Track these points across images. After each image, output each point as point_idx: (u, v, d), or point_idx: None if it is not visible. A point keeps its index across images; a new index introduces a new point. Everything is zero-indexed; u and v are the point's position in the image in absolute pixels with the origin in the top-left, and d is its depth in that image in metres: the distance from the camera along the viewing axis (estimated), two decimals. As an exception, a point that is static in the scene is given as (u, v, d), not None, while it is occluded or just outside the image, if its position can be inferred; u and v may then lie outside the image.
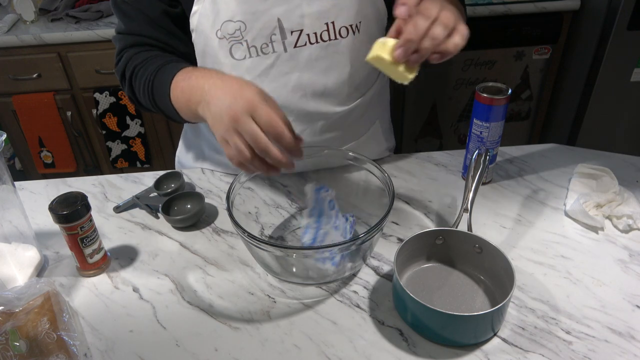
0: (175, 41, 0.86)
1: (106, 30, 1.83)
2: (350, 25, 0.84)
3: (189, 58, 0.87)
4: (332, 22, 0.82)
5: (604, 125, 2.07)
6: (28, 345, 0.63)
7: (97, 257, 0.78)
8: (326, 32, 0.83)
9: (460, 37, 0.65)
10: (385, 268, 0.79)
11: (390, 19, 0.87)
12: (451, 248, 0.77)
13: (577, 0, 1.90)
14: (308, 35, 0.82)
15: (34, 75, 1.92)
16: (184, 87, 0.74)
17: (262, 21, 0.80)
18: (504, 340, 0.67)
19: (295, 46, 0.83)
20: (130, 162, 2.13)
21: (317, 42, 0.83)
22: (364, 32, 0.86)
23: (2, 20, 1.91)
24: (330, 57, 0.85)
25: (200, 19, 0.80)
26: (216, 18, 0.79)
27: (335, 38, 0.84)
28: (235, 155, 0.65)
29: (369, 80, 0.95)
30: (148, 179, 1.01)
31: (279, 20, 0.80)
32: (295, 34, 0.82)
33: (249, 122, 0.62)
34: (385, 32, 0.92)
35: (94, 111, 1.99)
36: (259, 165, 0.65)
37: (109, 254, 0.82)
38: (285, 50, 0.83)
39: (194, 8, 0.80)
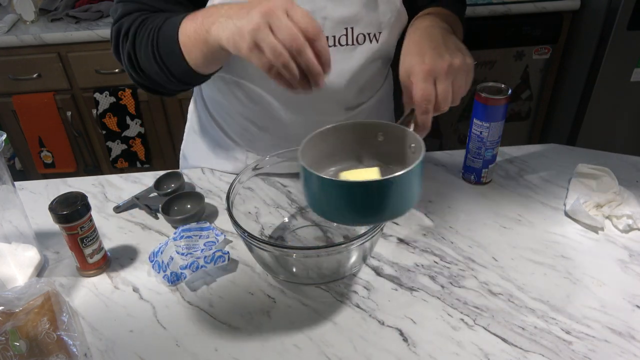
0: (182, 10, 0.78)
1: (106, 30, 1.83)
2: (369, 34, 0.85)
3: None
4: (352, 28, 0.83)
5: (604, 125, 2.07)
6: (28, 345, 0.63)
7: (97, 257, 0.78)
8: (344, 37, 0.83)
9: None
10: (386, 268, 0.79)
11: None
12: (391, 148, 0.70)
13: (577, 0, 1.90)
14: (327, 37, 0.82)
15: (34, 75, 1.92)
16: (197, 18, 0.68)
17: None
18: (504, 340, 0.67)
19: None
20: (130, 162, 2.13)
21: (334, 45, 0.83)
22: (382, 42, 0.86)
23: (2, 20, 1.91)
24: (343, 61, 0.85)
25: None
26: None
27: (352, 44, 0.84)
28: (271, 58, 0.57)
29: (374, 85, 0.95)
30: (148, 179, 1.01)
31: None
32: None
33: (285, 17, 0.57)
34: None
35: (94, 111, 1.99)
36: (293, 71, 0.58)
37: (109, 254, 0.82)
38: None
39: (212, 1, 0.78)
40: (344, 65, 0.86)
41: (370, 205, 0.60)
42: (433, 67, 0.66)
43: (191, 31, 0.69)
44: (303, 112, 0.90)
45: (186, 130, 1.11)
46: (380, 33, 0.86)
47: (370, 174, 0.65)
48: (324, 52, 0.58)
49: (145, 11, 0.79)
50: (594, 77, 1.95)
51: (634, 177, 0.95)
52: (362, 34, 0.84)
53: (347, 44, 0.84)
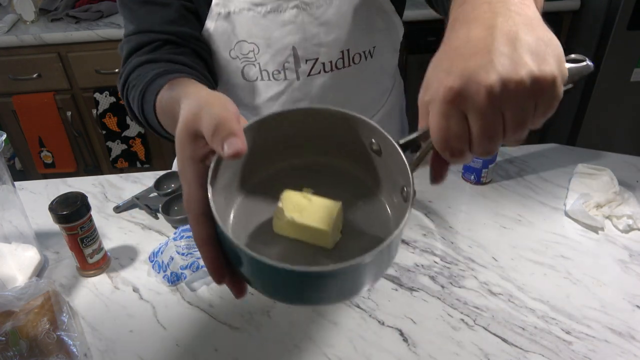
0: (191, 33, 0.77)
1: (106, 30, 1.83)
2: (364, 52, 0.83)
3: (200, 52, 0.78)
4: (347, 50, 0.81)
5: (604, 125, 2.07)
6: (28, 346, 0.63)
7: (97, 257, 0.78)
8: (341, 60, 0.82)
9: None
10: (385, 268, 0.79)
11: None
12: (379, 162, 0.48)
13: (577, 0, 1.90)
14: (323, 63, 0.81)
15: (34, 75, 1.92)
16: (163, 107, 0.60)
17: (275, 48, 0.78)
18: (504, 340, 0.67)
19: (309, 74, 0.81)
20: (130, 162, 2.13)
21: (331, 70, 0.82)
22: (376, 55, 0.85)
23: (2, 20, 1.91)
24: (342, 83, 0.84)
25: (214, 37, 0.79)
26: (230, 37, 0.78)
27: (349, 65, 0.83)
28: None
29: (377, 103, 0.94)
30: (148, 179, 1.01)
31: (293, 48, 0.78)
32: (310, 63, 0.80)
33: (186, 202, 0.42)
34: (399, 46, 0.91)
35: (94, 111, 1.99)
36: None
37: (109, 254, 0.82)
38: (298, 78, 0.81)
39: (207, 25, 0.78)
40: (343, 88, 0.85)
41: (317, 292, 0.41)
42: (463, 88, 0.35)
43: (160, 113, 0.61)
44: None
45: None
46: (374, 47, 0.84)
47: (323, 211, 0.44)
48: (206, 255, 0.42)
49: (147, 46, 0.75)
50: (594, 77, 1.95)
51: (634, 177, 0.95)
52: (358, 53, 0.83)
53: (343, 67, 0.83)
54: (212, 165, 0.41)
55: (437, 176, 0.44)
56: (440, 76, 0.37)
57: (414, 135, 0.43)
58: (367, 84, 0.88)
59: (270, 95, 0.83)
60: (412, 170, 0.42)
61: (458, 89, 0.35)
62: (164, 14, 0.77)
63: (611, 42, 1.84)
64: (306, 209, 0.44)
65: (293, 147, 0.49)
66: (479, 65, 0.35)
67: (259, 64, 0.80)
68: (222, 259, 0.40)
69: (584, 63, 0.45)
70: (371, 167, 0.48)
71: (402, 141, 0.43)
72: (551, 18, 1.95)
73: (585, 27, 1.94)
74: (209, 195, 0.40)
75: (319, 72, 0.81)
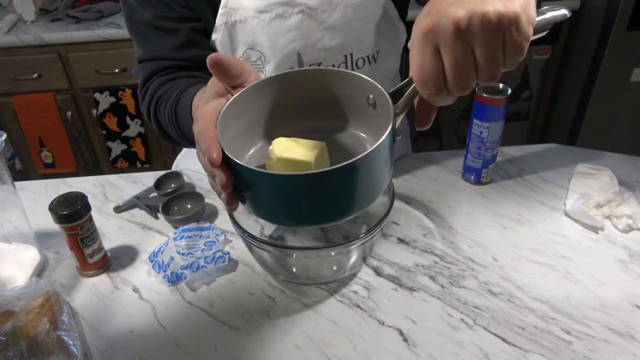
0: (202, 54, 0.80)
1: (106, 30, 1.84)
2: (367, 56, 0.83)
3: None
4: (351, 54, 0.81)
5: (604, 125, 2.07)
6: (28, 345, 0.63)
7: (97, 257, 0.78)
8: (344, 64, 0.82)
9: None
10: (386, 268, 0.79)
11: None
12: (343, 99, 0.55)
13: (577, 0, 1.90)
14: (327, 67, 0.81)
15: (34, 75, 1.92)
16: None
17: (280, 55, 0.79)
18: (504, 340, 0.67)
19: None
20: (130, 162, 2.13)
21: None
22: (380, 60, 0.86)
23: (2, 20, 1.91)
24: None
25: (220, 47, 0.79)
26: (238, 46, 0.78)
27: (352, 69, 0.83)
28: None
29: None
30: (148, 179, 1.01)
31: (298, 54, 0.79)
32: (314, 67, 0.80)
33: (201, 155, 0.51)
34: (402, 50, 0.91)
35: (94, 111, 1.99)
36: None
37: (109, 254, 0.82)
38: None
39: (213, 36, 0.79)
40: None
41: (313, 203, 0.46)
42: (435, 24, 0.40)
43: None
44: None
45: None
46: (378, 52, 0.85)
47: (308, 147, 0.49)
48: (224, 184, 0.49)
49: (162, 72, 0.80)
50: (594, 77, 1.95)
51: (634, 177, 0.95)
52: (362, 57, 0.83)
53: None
54: (223, 108, 0.49)
55: (421, 120, 0.49)
56: (419, 21, 0.42)
57: (401, 84, 0.47)
58: None
59: None
60: (396, 113, 0.47)
61: (431, 25, 0.40)
62: (173, 39, 0.79)
63: (611, 42, 1.84)
64: (293, 147, 0.49)
65: (303, 106, 0.55)
66: (450, 4, 0.40)
67: (265, 70, 0.80)
68: (231, 177, 0.46)
69: (560, 10, 0.48)
70: (370, 119, 0.53)
71: (391, 90, 0.48)
72: (551, 18, 1.96)
73: (585, 27, 1.94)
74: (217, 124, 0.47)
75: None
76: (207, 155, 0.45)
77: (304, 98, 0.55)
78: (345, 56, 0.81)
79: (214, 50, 0.80)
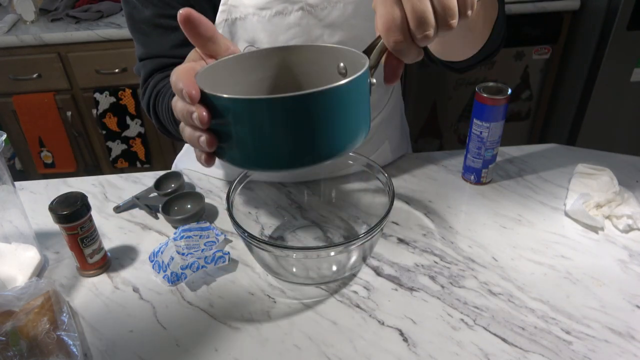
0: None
1: (106, 30, 1.84)
2: None
3: None
4: None
5: (604, 125, 2.07)
6: (28, 346, 0.63)
7: (97, 257, 0.78)
8: None
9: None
10: (386, 268, 0.79)
11: None
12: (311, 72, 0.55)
13: (577, 0, 1.90)
14: None
15: (34, 75, 1.92)
16: None
17: None
18: (504, 340, 0.67)
19: None
20: (130, 162, 2.13)
21: None
22: None
23: (2, 20, 1.91)
24: None
25: None
26: (237, 44, 0.78)
27: None
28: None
29: (378, 105, 0.94)
30: (148, 179, 1.01)
31: None
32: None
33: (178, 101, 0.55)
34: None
35: (94, 111, 2.00)
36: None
37: (109, 254, 0.82)
38: None
39: None
40: None
41: (301, 130, 0.44)
42: None
43: None
44: None
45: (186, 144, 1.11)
46: None
47: None
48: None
49: (162, 70, 0.83)
50: (594, 77, 1.95)
51: (634, 177, 0.95)
52: None
53: None
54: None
55: (389, 75, 0.50)
56: None
57: (370, 43, 0.50)
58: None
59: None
60: (370, 68, 0.48)
61: None
62: (173, 37, 0.81)
63: (611, 42, 1.85)
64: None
65: (278, 87, 0.55)
66: None
67: None
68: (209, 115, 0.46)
69: None
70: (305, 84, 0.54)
71: (363, 50, 0.50)
72: (551, 18, 1.96)
73: (585, 27, 1.94)
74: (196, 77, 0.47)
75: None
76: (186, 90, 0.45)
77: (279, 78, 0.55)
78: None
79: None
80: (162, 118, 0.84)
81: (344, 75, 0.52)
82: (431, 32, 0.44)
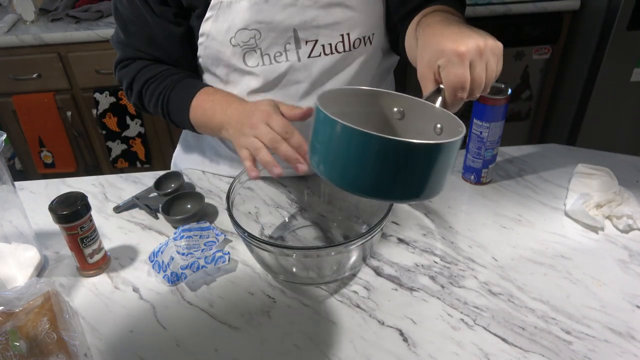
0: (177, 60, 0.88)
1: (106, 30, 1.84)
2: (364, 37, 0.85)
3: (187, 61, 0.89)
4: (348, 34, 0.83)
5: (604, 125, 2.07)
6: (28, 345, 0.63)
7: (97, 257, 0.78)
8: (341, 44, 0.83)
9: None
10: (386, 268, 0.79)
11: (390, 21, 0.88)
12: (410, 126, 0.63)
13: (577, 0, 1.90)
14: (323, 45, 0.83)
15: (34, 75, 1.92)
16: (206, 108, 0.82)
17: (277, 31, 0.80)
18: (504, 340, 0.67)
19: (309, 56, 0.83)
20: (130, 162, 2.13)
21: (331, 53, 0.84)
22: (375, 42, 0.87)
23: (2, 20, 1.91)
24: (342, 68, 0.86)
25: (215, 25, 0.80)
26: (231, 25, 0.79)
27: (350, 49, 0.84)
28: (250, 150, 0.71)
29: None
30: (148, 179, 1.01)
31: (294, 30, 0.80)
32: (310, 44, 0.82)
33: (265, 126, 0.70)
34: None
35: (94, 111, 2.00)
36: (268, 156, 0.69)
37: (109, 254, 0.82)
38: (299, 59, 0.83)
39: (208, 14, 0.80)
40: (342, 71, 0.86)
41: (411, 173, 0.52)
42: (468, 48, 0.57)
43: (200, 114, 0.83)
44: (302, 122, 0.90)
45: (181, 138, 1.11)
46: (373, 34, 0.86)
47: None
48: (298, 145, 0.69)
49: (142, 60, 0.89)
50: (594, 77, 1.95)
51: (634, 177, 0.95)
52: (359, 38, 0.84)
53: (344, 51, 0.84)
54: None
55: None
56: (448, 44, 0.57)
57: (429, 93, 0.60)
58: (367, 70, 0.89)
59: (271, 78, 0.85)
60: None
61: (466, 49, 0.57)
62: (152, 36, 0.86)
63: (611, 42, 1.85)
64: None
65: (375, 125, 0.62)
66: (468, 36, 0.58)
67: (260, 49, 0.81)
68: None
69: None
70: (399, 131, 0.63)
71: (424, 97, 0.60)
72: (551, 18, 1.96)
73: (585, 27, 1.94)
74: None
75: (319, 55, 0.84)
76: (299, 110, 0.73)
77: (376, 116, 0.63)
78: (342, 35, 0.83)
79: (205, 28, 0.82)
80: (146, 100, 0.90)
81: (439, 133, 0.60)
82: (478, 95, 0.60)
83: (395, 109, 0.63)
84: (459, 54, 0.57)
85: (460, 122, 0.56)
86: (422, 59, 0.62)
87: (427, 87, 0.61)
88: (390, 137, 0.49)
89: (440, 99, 0.59)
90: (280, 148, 0.69)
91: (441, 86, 0.59)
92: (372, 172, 0.52)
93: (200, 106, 0.83)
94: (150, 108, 0.90)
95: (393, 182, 0.52)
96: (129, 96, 0.92)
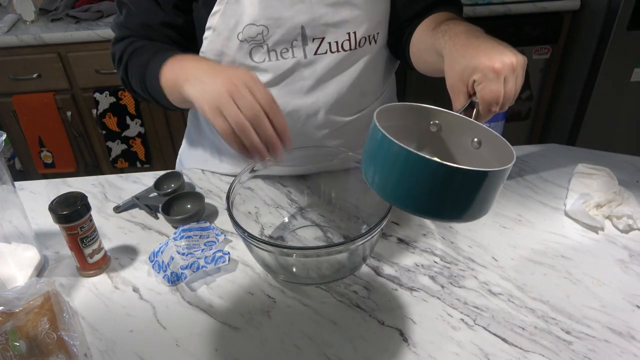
0: (174, 47, 0.86)
1: (106, 30, 1.84)
2: (369, 36, 0.85)
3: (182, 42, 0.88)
4: (354, 32, 0.83)
5: (604, 125, 2.07)
6: (28, 345, 0.63)
7: (97, 257, 0.78)
8: (347, 42, 0.84)
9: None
10: (386, 268, 0.79)
11: (393, 21, 0.88)
12: (447, 139, 0.67)
13: (577, 0, 1.90)
14: (329, 43, 0.83)
15: (34, 75, 1.92)
16: (175, 68, 0.74)
17: (285, 27, 0.80)
18: (504, 340, 0.67)
19: (315, 53, 0.83)
20: (130, 162, 2.13)
21: (337, 51, 0.84)
22: (380, 42, 0.88)
23: (2, 20, 1.91)
24: (347, 66, 0.86)
25: (222, 19, 0.80)
26: (239, 20, 0.79)
27: (355, 48, 0.85)
28: (232, 123, 0.62)
29: (376, 89, 0.95)
30: (148, 179, 1.01)
31: (302, 27, 0.81)
32: (317, 42, 0.82)
33: (247, 92, 0.62)
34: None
35: (94, 111, 1.99)
36: (253, 137, 0.62)
37: (109, 254, 0.82)
38: (305, 56, 0.83)
39: (215, 8, 0.79)
40: (347, 70, 0.86)
41: (461, 198, 0.54)
42: (503, 65, 0.60)
43: (169, 80, 0.74)
44: (305, 116, 0.89)
45: (185, 133, 1.11)
46: (378, 34, 0.86)
47: None
48: (281, 127, 0.63)
49: (136, 37, 0.86)
50: (594, 77, 1.95)
51: (634, 177, 0.95)
52: (364, 37, 0.85)
53: (350, 49, 0.85)
54: None
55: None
56: (488, 63, 0.60)
57: (464, 106, 0.63)
58: (371, 69, 0.90)
59: (277, 74, 0.84)
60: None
61: (501, 66, 0.60)
62: (149, 22, 0.84)
63: (611, 42, 1.85)
64: None
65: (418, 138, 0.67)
66: (501, 52, 0.61)
67: (267, 45, 0.81)
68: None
69: None
70: (439, 145, 0.66)
71: (457, 110, 0.63)
72: (551, 18, 1.96)
73: (585, 27, 1.94)
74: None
75: (326, 52, 0.84)
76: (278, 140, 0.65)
77: (413, 128, 0.65)
78: (349, 34, 0.83)
79: (212, 23, 0.81)
80: (130, 75, 0.86)
81: (477, 147, 0.64)
82: (507, 108, 0.64)
83: (432, 122, 0.65)
84: (495, 71, 0.60)
85: (504, 139, 0.59)
86: (454, 70, 0.64)
87: (459, 99, 0.64)
88: (457, 165, 0.51)
89: (474, 111, 0.62)
90: (261, 126, 0.62)
91: (474, 99, 0.62)
92: (433, 195, 0.54)
93: (169, 68, 0.75)
94: (133, 84, 0.86)
95: (453, 203, 0.55)
96: (118, 69, 0.88)
